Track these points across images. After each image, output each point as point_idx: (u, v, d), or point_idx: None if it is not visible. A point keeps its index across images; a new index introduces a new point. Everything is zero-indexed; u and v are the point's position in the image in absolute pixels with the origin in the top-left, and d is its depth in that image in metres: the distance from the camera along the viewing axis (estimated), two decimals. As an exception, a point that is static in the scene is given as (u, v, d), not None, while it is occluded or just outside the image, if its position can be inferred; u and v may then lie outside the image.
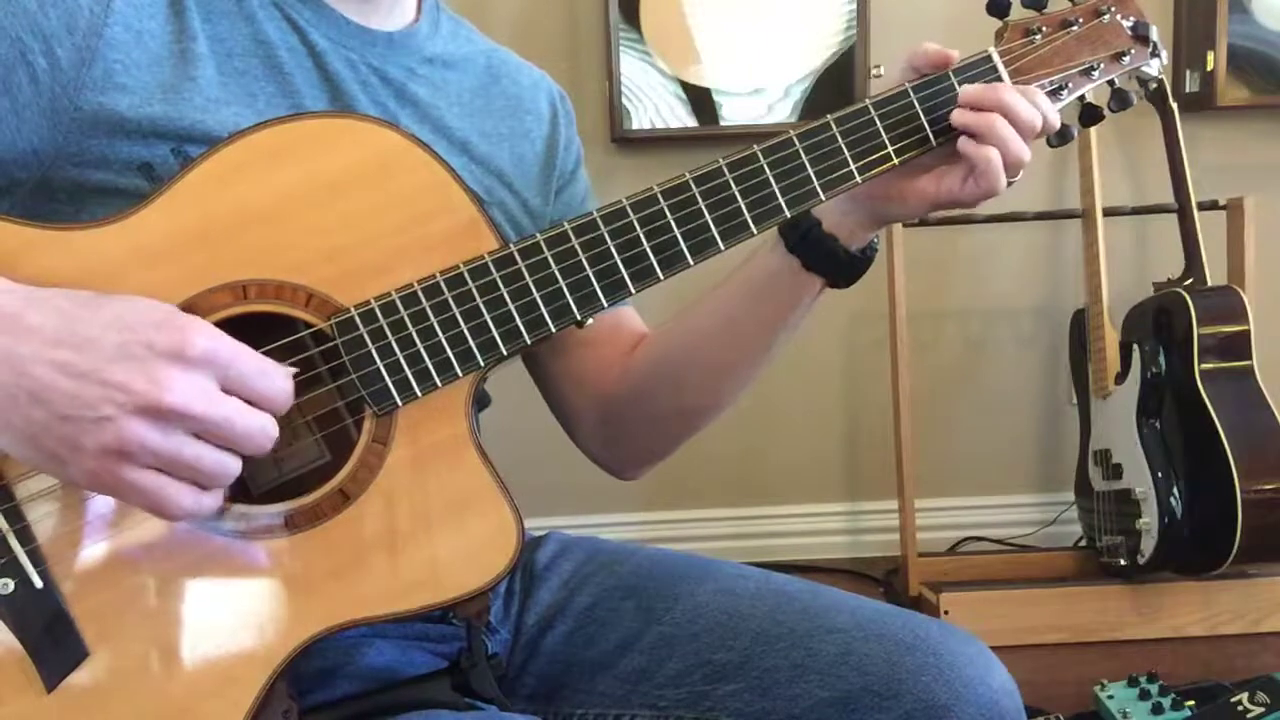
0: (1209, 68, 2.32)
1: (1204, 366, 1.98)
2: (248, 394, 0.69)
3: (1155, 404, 2.05)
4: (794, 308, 0.93)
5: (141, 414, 0.65)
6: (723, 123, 2.34)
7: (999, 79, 0.86)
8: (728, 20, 2.33)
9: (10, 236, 0.72)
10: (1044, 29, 0.88)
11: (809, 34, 2.34)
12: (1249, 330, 1.99)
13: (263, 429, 0.70)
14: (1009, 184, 0.84)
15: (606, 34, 2.31)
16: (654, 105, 2.34)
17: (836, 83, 2.33)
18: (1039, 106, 0.84)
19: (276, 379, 0.71)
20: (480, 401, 1.03)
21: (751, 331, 0.96)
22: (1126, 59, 0.89)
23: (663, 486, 2.46)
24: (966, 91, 0.83)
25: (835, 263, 0.90)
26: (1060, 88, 0.88)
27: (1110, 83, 0.90)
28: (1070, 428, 2.37)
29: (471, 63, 1.01)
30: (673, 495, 2.49)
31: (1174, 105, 2.13)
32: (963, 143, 0.83)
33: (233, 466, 0.70)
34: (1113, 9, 0.89)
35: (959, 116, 0.83)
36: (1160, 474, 2.01)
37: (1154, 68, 0.90)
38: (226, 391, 0.68)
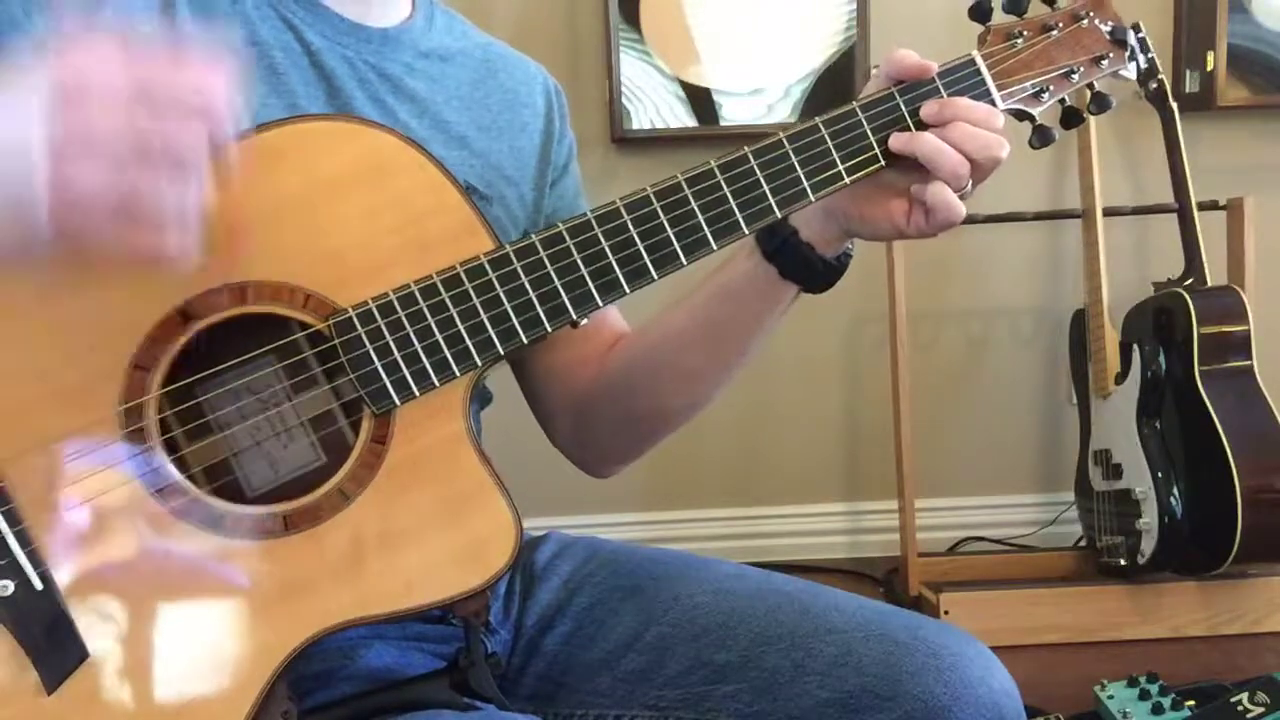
0: (1209, 68, 2.32)
1: (1204, 366, 1.98)
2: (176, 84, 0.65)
3: (1155, 404, 2.05)
4: (770, 312, 0.94)
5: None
6: (723, 123, 2.34)
7: (982, 82, 0.87)
8: (728, 20, 2.33)
9: None
10: (1025, 33, 0.89)
11: (809, 34, 2.34)
12: (1249, 330, 1.99)
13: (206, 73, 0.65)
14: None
15: (606, 34, 2.31)
16: (654, 105, 2.34)
17: (836, 83, 2.33)
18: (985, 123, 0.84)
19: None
20: (482, 399, 1.03)
21: (728, 335, 0.96)
22: (1105, 63, 0.91)
23: (663, 486, 2.46)
24: (925, 111, 0.84)
25: (811, 271, 0.91)
26: (1041, 90, 0.89)
27: (1089, 85, 0.91)
28: (1070, 428, 2.38)
29: (468, 56, 1.01)
30: (673, 495, 2.49)
31: (1174, 105, 2.13)
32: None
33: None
34: (1091, 14, 0.91)
35: (896, 141, 0.84)
36: (1160, 474, 2.01)
37: (1131, 71, 0.92)
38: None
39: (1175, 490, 2.00)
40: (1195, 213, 2.14)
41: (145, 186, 0.63)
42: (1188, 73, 2.37)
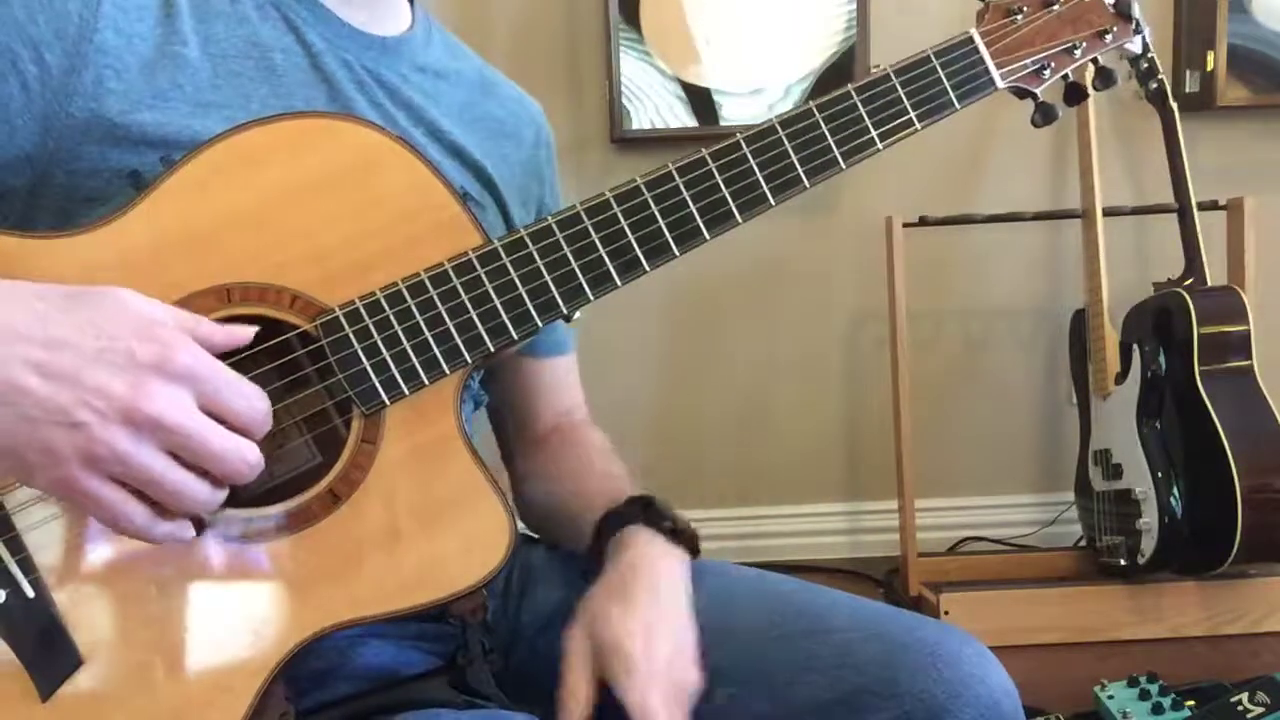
0: (1209, 68, 2.32)
1: (1204, 366, 1.98)
2: (225, 414, 0.68)
3: (1155, 404, 2.05)
4: None
5: (117, 421, 0.64)
6: (723, 123, 2.34)
7: (980, 61, 0.85)
8: (728, 20, 2.33)
9: None
10: (1025, 9, 0.87)
11: (809, 34, 2.34)
12: (1249, 330, 1.99)
13: (238, 450, 0.68)
14: None
15: (606, 34, 2.31)
16: (654, 105, 2.34)
17: (836, 83, 2.29)
18: None
19: (254, 400, 0.70)
20: (478, 403, 1.03)
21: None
22: (1109, 36, 0.88)
23: (662, 486, 2.45)
24: None
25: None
26: (1043, 67, 0.87)
27: (1094, 60, 0.89)
28: (1070, 428, 2.37)
29: (463, 77, 1.01)
30: (672, 495, 2.48)
31: (1174, 105, 2.12)
32: None
33: (198, 490, 0.68)
34: None
35: None
36: (1160, 474, 2.01)
37: (1137, 44, 0.89)
38: (205, 412, 0.67)
39: (1175, 490, 1.99)
40: (1195, 213, 2.13)
41: (133, 513, 0.68)
42: (1188, 73, 2.37)
